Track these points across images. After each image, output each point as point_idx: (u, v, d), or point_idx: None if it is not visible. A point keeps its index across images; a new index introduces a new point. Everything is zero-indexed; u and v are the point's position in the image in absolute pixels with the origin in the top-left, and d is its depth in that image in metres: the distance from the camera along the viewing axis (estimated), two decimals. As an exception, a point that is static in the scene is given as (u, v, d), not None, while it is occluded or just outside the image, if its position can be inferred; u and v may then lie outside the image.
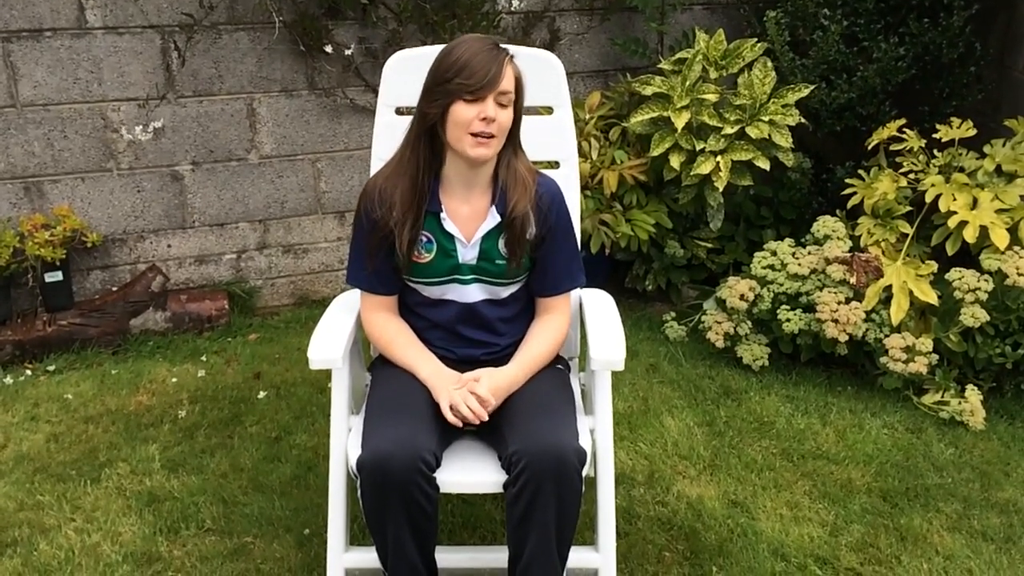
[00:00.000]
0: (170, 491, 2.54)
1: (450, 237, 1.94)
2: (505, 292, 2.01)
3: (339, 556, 1.99)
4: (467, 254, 1.95)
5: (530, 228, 1.94)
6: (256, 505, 2.48)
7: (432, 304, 2.01)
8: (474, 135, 1.82)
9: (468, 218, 1.95)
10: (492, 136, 1.83)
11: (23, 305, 3.42)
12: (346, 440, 1.96)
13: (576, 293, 2.25)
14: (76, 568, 2.24)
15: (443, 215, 1.93)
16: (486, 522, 2.39)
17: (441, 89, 1.81)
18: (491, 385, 1.87)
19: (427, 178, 1.90)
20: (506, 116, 1.84)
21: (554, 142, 2.30)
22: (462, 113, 1.80)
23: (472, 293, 1.99)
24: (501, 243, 1.95)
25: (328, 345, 1.97)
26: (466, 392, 1.85)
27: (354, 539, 2.10)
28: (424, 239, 1.94)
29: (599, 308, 2.18)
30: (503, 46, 1.85)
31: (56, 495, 2.52)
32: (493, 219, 1.93)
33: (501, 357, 2.02)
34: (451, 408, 1.84)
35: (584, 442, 1.85)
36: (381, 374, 2.04)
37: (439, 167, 1.93)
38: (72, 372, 3.23)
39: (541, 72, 2.26)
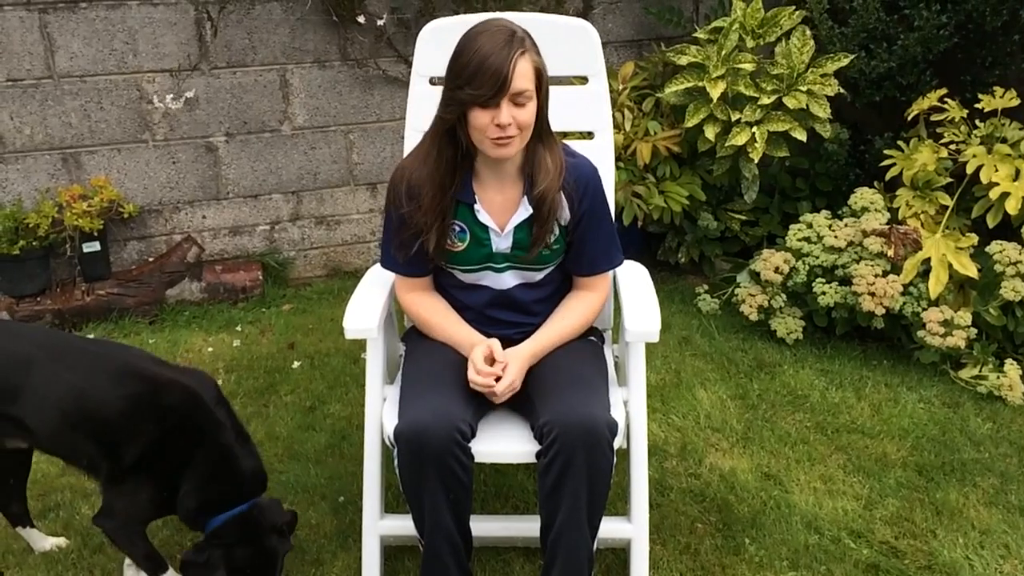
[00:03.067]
0: (207, 458, 2.58)
1: (484, 227, 1.92)
2: (539, 275, 2.00)
3: (375, 523, 2.02)
4: (501, 244, 1.94)
5: (562, 212, 1.92)
6: (292, 473, 2.51)
7: (466, 288, 2.01)
8: (493, 137, 1.79)
9: (501, 208, 1.93)
10: (513, 136, 1.79)
11: (62, 275, 3.47)
12: (381, 409, 1.97)
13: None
14: (117, 532, 2.28)
15: (477, 206, 1.91)
16: (519, 492, 2.40)
17: (454, 97, 1.77)
18: (516, 369, 1.87)
19: (452, 176, 1.87)
20: (526, 114, 1.78)
21: (588, 112, 2.28)
22: (478, 119, 1.76)
23: (506, 280, 1.98)
24: (533, 234, 1.92)
25: (363, 315, 1.98)
26: (488, 380, 1.85)
27: (388, 507, 2.12)
28: (457, 228, 1.92)
29: (633, 280, 2.17)
30: (520, 34, 1.76)
31: (97, 461, 2.57)
32: (525, 210, 1.91)
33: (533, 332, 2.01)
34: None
35: (616, 413, 1.85)
36: (416, 345, 2.05)
37: (471, 160, 1.90)
38: (110, 341, 3.29)
39: (576, 41, 2.24)
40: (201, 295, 3.57)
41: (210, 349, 3.21)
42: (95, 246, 3.38)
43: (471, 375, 1.85)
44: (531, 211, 1.90)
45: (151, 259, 3.60)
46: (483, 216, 1.91)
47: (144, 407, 1.86)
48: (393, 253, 1.97)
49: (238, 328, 3.38)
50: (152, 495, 1.88)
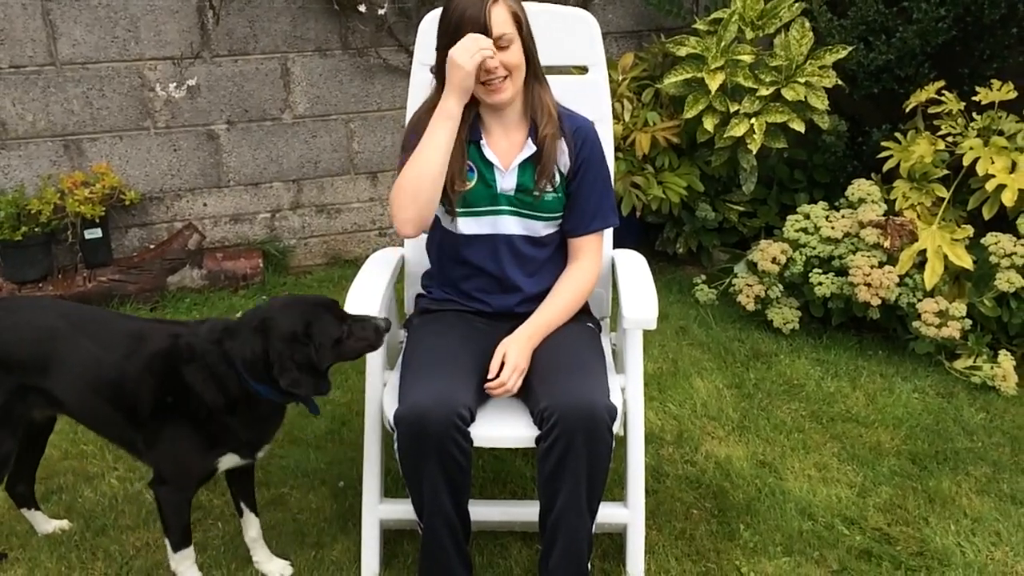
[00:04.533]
0: (209, 443, 2.60)
1: (489, 165, 1.98)
2: (543, 230, 2.03)
3: (374, 507, 2.04)
4: (505, 183, 1.98)
5: (562, 157, 1.99)
6: (292, 458, 2.53)
7: (472, 242, 2.03)
8: (485, 83, 1.88)
9: (507, 149, 2.00)
10: (504, 78, 1.89)
11: (63, 261, 3.49)
12: (381, 395, 2.00)
13: (608, 252, 2.26)
14: (119, 514, 2.31)
15: (483, 142, 1.98)
16: (517, 478, 2.43)
17: (443, 54, 1.87)
18: (516, 356, 1.90)
19: (463, 121, 1.92)
20: (512, 55, 1.88)
21: (588, 102, 2.28)
22: None
23: (510, 225, 2.01)
24: (536, 172, 1.98)
25: (365, 301, 2.01)
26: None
27: (387, 492, 2.15)
28: (467, 167, 1.98)
29: (631, 268, 2.20)
30: None
31: (99, 445, 2.59)
32: (529, 149, 1.98)
33: (533, 310, 2.03)
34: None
35: (615, 399, 1.87)
36: (417, 331, 2.07)
37: (477, 108, 1.97)
38: (112, 327, 3.30)
39: (576, 31, 2.26)
40: (202, 282, 3.59)
41: (211, 336, 3.23)
42: (96, 233, 3.40)
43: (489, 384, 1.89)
44: (535, 148, 1.97)
45: (152, 246, 3.62)
46: (488, 153, 1.98)
47: (148, 360, 1.86)
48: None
49: (238, 315, 3.39)
50: (190, 443, 1.86)
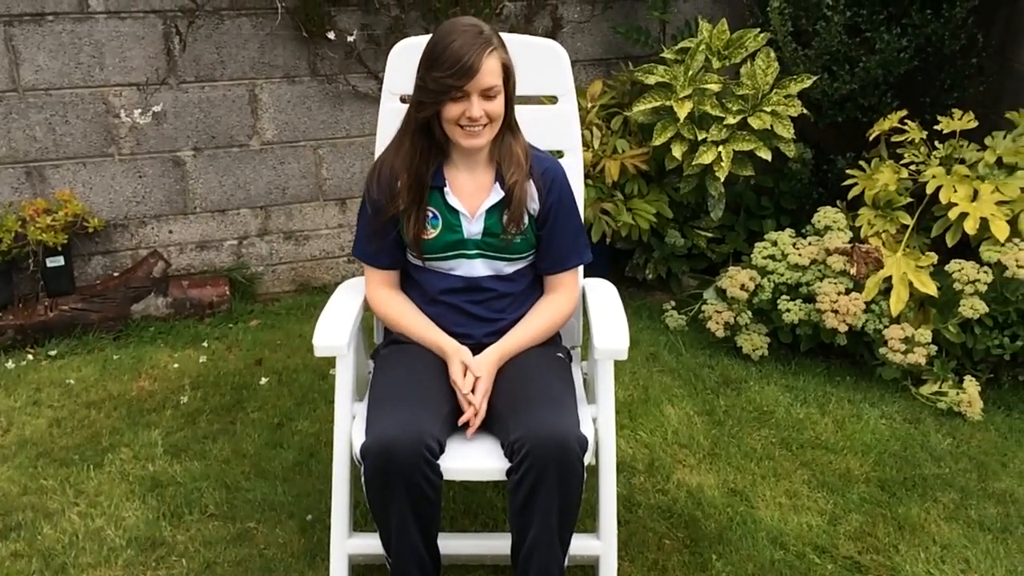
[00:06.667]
0: (173, 476, 2.55)
1: (455, 212, 1.99)
2: (510, 268, 2.05)
3: (342, 542, 2.01)
4: (471, 228, 1.99)
5: (532, 203, 2.00)
6: (259, 491, 2.49)
7: (436, 277, 2.04)
8: (464, 127, 1.89)
9: (472, 193, 2.00)
10: (484, 125, 1.90)
11: (25, 290, 3.42)
12: (350, 427, 1.97)
13: (579, 281, 2.26)
14: (80, 552, 2.25)
15: (447, 189, 1.99)
16: (488, 509, 2.40)
17: (426, 90, 1.88)
18: (485, 378, 1.94)
19: (426, 164, 1.97)
20: (495, 106, 1.90)
21: (558, 132, 2.30)
22: (450, 111, 1.89)
23: (477, 268, 2.03)
24: (505, 219, 1.99)
25: (333, 332, 1.98)
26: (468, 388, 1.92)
27: (356, 525, 2.11)
28: (430, 215, 1.99)
29: (602, 297, 2.20)
30: (487, 33, 1.87)
31: (59, 479, 2.53)
32: (497, 194, 1.99)
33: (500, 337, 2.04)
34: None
35: (586, 430, 1.86)
36: (385, 362, 2.05)
37: (444, 149, 1.99)
38: (74, 357, 3.24)
39: (546, 61, 2.26)
40: (167, 310, 3.53)
41: (176, 365, 3.18)
42: (59, 261, 3.34)
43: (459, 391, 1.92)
44: (503, 194, 1.97)
45: (116, 274, 3.56)
46: (452, 200, 1.98)
47: None
48: (366, 242, 2.05)
49: (204, 344, 3.35)
50: None
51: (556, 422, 1.80)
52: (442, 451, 1.82)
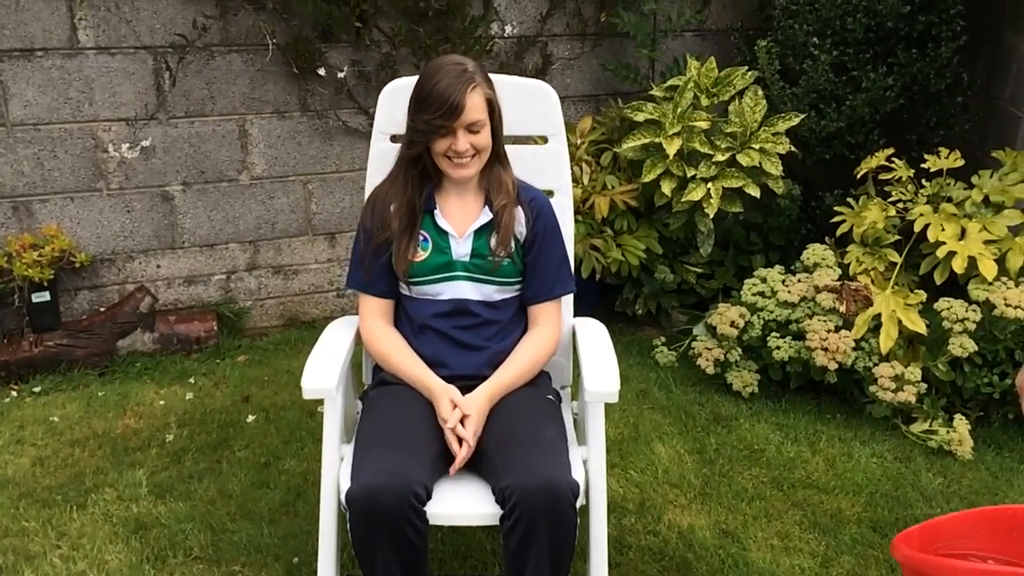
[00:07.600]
0: (157, 517, 2.52)
1: (444, 234, 2.04)
2: (498, 295, 2.07)
3: (329, 587, 1.97)
4: (459, 249, 2.04)
5: (519, 227, 2.05)
6: (244, 532, 2.45)
7: (424, 304, 2.06)
8: (451, 159, 1.96)
9: (462, 216, 2.06)
10: (472, 156, 1.96)
11: (9, 325, 3.38)
12: (338, 470, 1.95)
13: (569, 320, 2.25)
14: (61, 597, 2.21)
15: (437, 212, 2.05)
16: (477, 551, 2.37)
17: (416, 130, 1.96)
18: (475, 417, 1.93)
19: (419, 192, 2.04)
20: (481, 139, 1.97)
21: (549, 171, 2.30)
22: (438, 145, 1.97)
23: (464, 290, 2.05)
24: (493, 241, 2.03)
25: (321, 374, 1.96)
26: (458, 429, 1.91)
27: (344, 568, 2.08)
28: (421, 238, 2.04)
29: (592, 337, 2.19)
30: (470, 70, 1.93)
31: (41, 521, 2.49)
32: (485, 216, 2.04)
33: (488, 376, 2.03)
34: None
35: (577, 474, 1.85)
36: (373, 404, 2.03)
37: (435, 178, 2.06)
38: (58, 394, 3.20)
39: (536, 102, 2.27)
40: (154, 346, 3.50)
41: (162, 402, 3.15)
42: (45, 296, 3.30)
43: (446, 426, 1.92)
44: (491, 216, 2.03)
45: (102, 309, 3.53)
46: (442, 221, 2.04)
47: None
48: (359, 270, 2.08)
49: (191, 380, 3.32)
50: None
51: (547, 469, 1.79)
52: (429, 497, 1.80)
